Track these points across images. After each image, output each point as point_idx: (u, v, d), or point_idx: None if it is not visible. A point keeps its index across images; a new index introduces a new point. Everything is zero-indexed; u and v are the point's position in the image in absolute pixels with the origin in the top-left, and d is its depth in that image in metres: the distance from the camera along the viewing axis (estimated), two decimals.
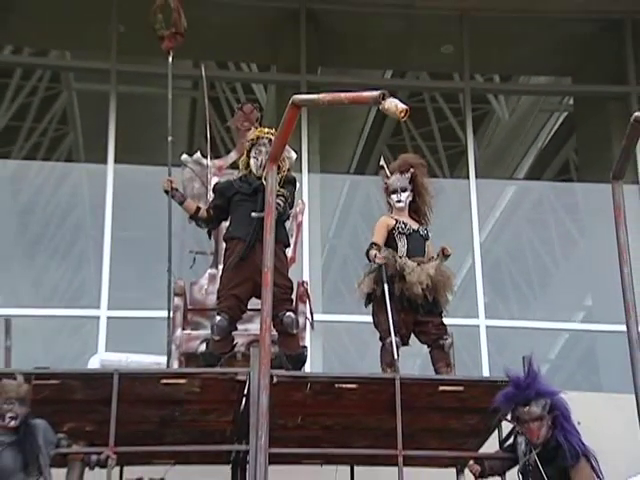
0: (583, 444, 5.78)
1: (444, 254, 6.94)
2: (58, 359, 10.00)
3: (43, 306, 10.83)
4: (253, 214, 6.44)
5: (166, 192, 7.18)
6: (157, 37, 7.49)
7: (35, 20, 11.30)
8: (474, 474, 6.35)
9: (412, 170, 7.07)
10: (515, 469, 6.13)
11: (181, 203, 7.17)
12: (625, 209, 6.32)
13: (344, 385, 6.45)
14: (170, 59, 7.56)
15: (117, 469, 6.65)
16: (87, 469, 6.18)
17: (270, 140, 6.70)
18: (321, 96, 6.01)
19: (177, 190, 7.21)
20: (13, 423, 5.68)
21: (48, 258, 12.34)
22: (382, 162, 7.23)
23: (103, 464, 6.04)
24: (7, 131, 13.71)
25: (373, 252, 6.77)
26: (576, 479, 5.62)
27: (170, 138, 7.46)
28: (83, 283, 11.43)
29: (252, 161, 6.99)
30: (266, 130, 7.04)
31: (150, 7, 7.50)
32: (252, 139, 7.07)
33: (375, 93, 5.31)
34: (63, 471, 6.09)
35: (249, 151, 7.04)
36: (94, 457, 6.06)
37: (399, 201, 7.03)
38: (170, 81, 7.58)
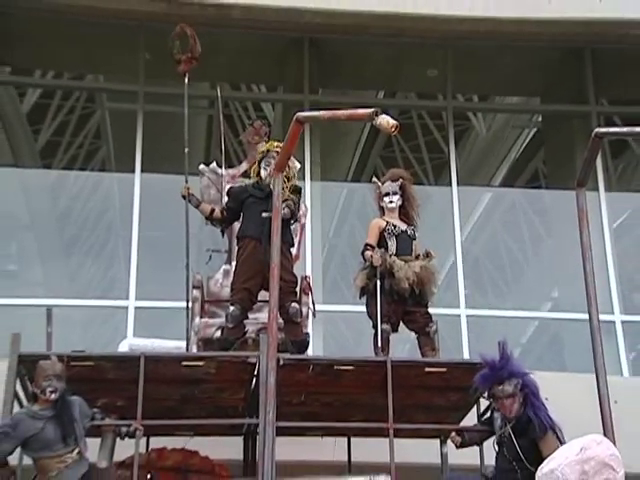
0: (550, 418, 5.77)
1: (429, 256, 6.96)
2: (92, 344, 9.96)
3: (79, 297, 10.82)
4: (264, 214, 6.43)
5: (183, 197, 7.19)
6: (175, 61, 7.48)
7: (73, 48, 11.29)
8: (455, 444, 6.35)
9: (401, 180, 7.14)
10: (491, 440, 6.14)
11: (197, 206, 7.18)
12: (587, 213, 6.33)
13: (342, 367, 6.46)
14: (186, 80, 7.55)
15: (144, 439, 6.65)
16: (118, 439, 6.22)
17: (278, 152, 6.70)
18: (322, 113, 6.03)
19: (193, 195, 7.23)
20: (53, 396, 5.68)
21: (83, 256, 12.34)
22: (374, 179, 7.29)
23: (132, 435, 6.07)
24: (48, 145, 13.73)
25: (368, 253, 6.79)
26: (544, 449, 5.61)
27: (186, 150, 7.46)
28: (114, 277, 11.42)
29: (262, 171, 7.00)
30: (275, 144, 7.05)
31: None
32: (262, 152, 7.08)
33: (369, 110, 5.31)
34: (97, 441, 6.12)
35: (260, 162, 7.05)
36: (124, 429, 6.09)
37: (391, 202, 7.07)
38: (186, 100, 7.56)
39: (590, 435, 2.91)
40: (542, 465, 2.85)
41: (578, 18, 10.48)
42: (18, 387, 6.28)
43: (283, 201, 6.23)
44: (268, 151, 7.00)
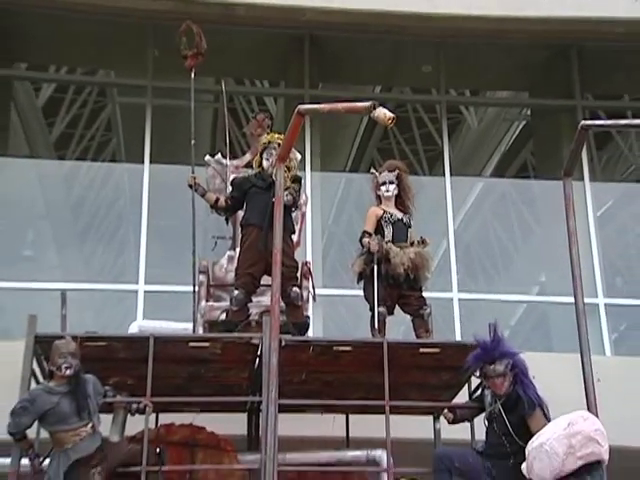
0: (538, 396, 5.78)
1: (423, 243, 6.95)
2: (104, 325, 10.01)
3: (92, 281, 10.83)
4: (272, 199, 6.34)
5: (190, 186, 7.17)
6: (182, 57, 7.45)
7: (85, 45, 11.27)
8: (447, 420, 6.36)
9: (397, 170, 7.11)
10: (482, 416, 6.14)
11: (203, 195, 7.16)
12: (573, 201, 6.32)
13: (341, 347, 6.44)
14: (192, 75, 7.52)
15: (153, 415, 6.66)
16: (129, 415, 6.23)
17: (279, 144, 6.68)
18: (322, 106, 6.01)
19: (199, 185, 7.21)
20: (68, 372, 5.71)
21: (96, 242, 12.34)
22: (372, 169, 7.27)
23: (142, 411, 6.08)
24: (62, 137, 13.73)
25: (366, 240, 6.77)
26: (532, 425, 5.61)
27: (193, 141, 7.43)
28: (124, 263, 11.43)
29: (265, 162, 6.98)
30: (276, 136, 7.03)
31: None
32: (264, 143, 7.06)
33: (367, 104, 5.29)
34: (109, 417, 6.14)
35: (262, 153, 7.03)
36: (134, 405, 6.11)
37: (387, 191, 7.04)
38: (192, 94, 7.52)
39: (577, 411, 2.92)
40: (532, 439, 2.86)
41: (565, 17, 10.46)
42: (35, 366, 6.30)
43: (285, 189, 6.21)
44: (270, 143, 6.98)
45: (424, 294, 6.89)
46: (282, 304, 6.35)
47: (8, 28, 10.81)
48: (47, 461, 5.87)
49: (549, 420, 5.65)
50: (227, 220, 7.49)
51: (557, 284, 10.71)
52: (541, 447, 2.80)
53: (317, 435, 7.32)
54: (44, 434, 5.96)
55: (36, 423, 5.84)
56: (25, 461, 5.94)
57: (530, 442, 2.85)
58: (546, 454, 2.76)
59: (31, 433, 5.94)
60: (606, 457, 2.81)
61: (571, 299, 6.25)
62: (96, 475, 5.71)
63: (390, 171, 7.09)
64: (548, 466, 2.76)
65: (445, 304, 10.10)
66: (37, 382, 6.27)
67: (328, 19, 10.42)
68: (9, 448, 5.97)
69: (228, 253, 7.71)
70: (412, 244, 6.90)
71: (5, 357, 7.17)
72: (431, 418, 7.09)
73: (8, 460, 6.00)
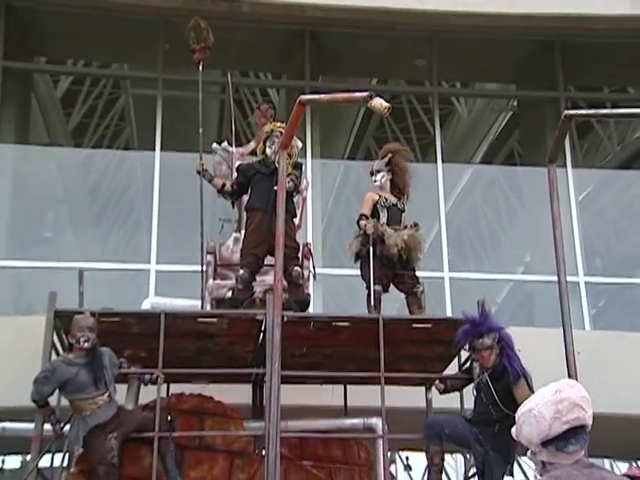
0: (522, 367, 5.79)
1: (416, 226, 6.94)
2: (119, 302, 10.00)
3: (107, 261, 10.83)
4: (275, 187, 6.33)
5: (198, 172, 7.13)
6: (190, 51, 7.42)
7: (100, 40, 11.22)
8: (439, 390, 6.38)
9: (390, 155, 7.05)
10: (470, 387, 6.15)
11: (210, 181, 7.13)
12: (557, 186, 6.31)
13: (339, 323, 6.45)
14: (200, 68, 7.48)
15: (164, 386, 6.67)
16: (142, 385, 6.25)
17: (281, 132, 6.64)
18: (322, 96, 5.97)
19: (207, 171, 7.17)
20: (86, 345, 5.74)
21: (110, 224, 12.34)
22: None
23: (154, 382, 6.10)
24: (79, 126, 13.70)
25: (363, 222, 6.75)
26: (517, 394, 5.64)
27: (201, 130, 7.39)
28: (137, 244, 11.41)
29: (268, 149, 6.95)
30: (278, 124, 6.98)
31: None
32: (267, 132, 7.02)
33: (364, 94, 5.25)
34: (124, 387, 6.17)
35: (265, 141, 6.99)
36: (147, 376, 6.13)
37: (375, 180, 7.02)
38: (200, 86, 7.48)
39: (564, 380, 2.92)
40: (522, 405, 2.87)
41: (549, 14, 10.41)
42: (55, 339, 6.33)
43: (287, 176, 6.19)
44: (272, 131, 6.93)
45: (417, 273, 6.89)
46: (284, 283, 6.35)
47: (29, 25, 10.79)
48: (67, 426, 5.93)
49: (533, 390, 5.67)
50: (233, 204, 7.47)
51: (541, 264, 10.72)
52: (530, 412, 2.80)
53: (317, 404, 7.34)
54: (64, 402, 6.00)
55: (57, 392, 5.90)
56: (47, 426, 6.00)
57: (520, 408, 2.85)
58: (534, 418, 2.76)
59: (52, 401, 5.98)
60: (590, 422, 2.82)
61: (554, 278, 6.25)
62: (112, 440, 5.73)
63: (382, 157, 7.04)
64: (536, 429, 2.76)
65: (437, 283, 10.10)
66: (57, 354, 6.30)
67: (327, 16, 10.37)
68: (33, 414, 6.01)
69: (234, 235, 7.70)
70: (405, 227, 6.90)
71: (28, 331, 7.20)
72: (423, 388, 7.09)
73: (32, 425, 6.05)
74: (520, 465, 6.21)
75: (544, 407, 2.69)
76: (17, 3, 10.38)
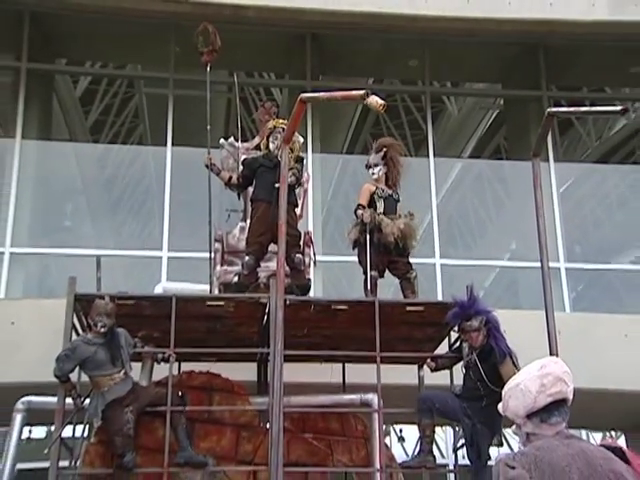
0: (508, 347, 5.80)
1: (411, 215, 6.91)
2: (133, 286, 9.99)
3: (122, 248, 10.83)
4: (276, 185, 6.31)
5: (206, 166, 7.10)
6: (199, 53, 7.39)
7: (116, 43, 11.19)
8: (430, 368, 6.38)
9: (385, 149, 7.00)
10: (460, 365, 6.15)
11: (218, 174, 7.10)
12: (540, 179, 6.29)
13: (338, 306, 6.45)
14: (208, 69, 7.45)
15: (176, 364, 6.67)
16: (155, 363, 6.25)
17: (283, 129, 6.62)
18: (321, 94, 5.94)
19: (214, 164, 7.14)
20: (103, 330, 5.79)
21: (125, 214, 12.31)
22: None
23: (166, 360, 6.11)
24: (97, 123, 13.67)
25: (360, 212, 6.72)
26: (503, 372, 5.65)
27: (209, 127, 7.35)
28: (151, 232, 11.38)
29: (271, 144, 6.92)
30: (280, 121, 6.95)
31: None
32: (270, 128, 6.98)
33: (361, 92, 5.23)
34: (138, 365, 6.17)
35: (268, 136, 6.96)
36: (160, 355, 6.15)
37: (373, 173, 6.97)
38: (208, 85, 7.44)
39: (548, 357, 2.93)
40: (509, 382, 2.88)
41: (533, 18, 10.36)
42: (75, 320, 6.33)
43: (289, 169, 6.17)
44: (275, 127, 6.90)
45: (411, 260, 6.87)
46: (287, 268, 6.34)
47: (50, 30, 10.77)
48: (87, 401, 5.96)
49: (518, 368, 5.67)
50: (239, 195, 7.45)
51: (525, 251, 10.71)
52: (517, 387, 2.81)
53: (317, 381, 7.33)
54: (84, 378, 6.01)
55: (77, 369, 5.91)
56: (69, 400, 6.03)
57: (507, 384, 2.86)
58: (521, 392, 2.76)
59: (73, 377, 6.01)
60: (570, 396, 2.83)
61: (537, 264, 6.24)
62: (128, 413, 5.77)
63: (377, 152, 6.99)
64: (522, 402, 2.76)
65: (428, 269, 10.09)
66: (77, 334, 6.30)
67: (327, 19, 10.31)
68: (56, 389, 6.04)
69: (240, 224, 7.67)
70: (400, 217, 6.87)
71: (50, 313, 7.20)
72: (416, 367, 7.09)
73: (55, 399, 6.07)
74: (505, 437, 6.23)
75: (530, 381, 2.70)
76: (40, 10, 10.33)
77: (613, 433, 11.86)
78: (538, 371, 2.75)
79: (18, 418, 6.89)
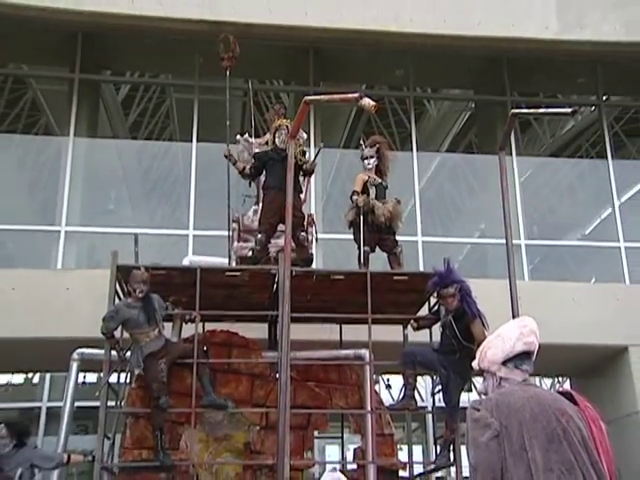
0: (478, 309, 5.77)
1: (398, 201, 6.86)
2: (165, 259, 9.94)
3: (156, 227, 10.83)
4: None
5: (226, 157, 7.06)
6: (220, 59, 7.28)
7: (150, 56, 11.14)
8: (413, 328, 6.36)
9: (377, 145, 6.97)
10: (438, 325, 6.12)
11: (234, 164, 7.06)
12: (506, 170, 6.23)
13: (336, 276, 6.43)
14: (227, 73, 7.34)
15: (200, 324, 6.65)
16: (183, 323, 6.23)
17: (287, 127, 6.61)
18: (322, 97, 5.90)
19: (232, 156, 7.10)
20: (140, 295, 5.81)
21: (158, 199, 12.29)
22: (361, 142, 7.12)
23: (192, 321, 6.11)
24: (135, 123, 13.58)
25: (355, 197, 6.68)
26: (474, 330, 5.64)
27: (228, 123, 7.29)
28: (180, 215, 11.31)
29: (277, 140, 6.88)
30: (284, 120, 6.95)
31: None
32: (276, 127, 6.95)
33: (356, 94, 5.18)
34: (169, 324, 6.16)
35: (274, 134, 6.93)
36: (187, 316, 6.14)
37: (368, 164, 6.92)
38: (227, 89, 7.36)
39: (525, 316, 2.96)
40: (489, 336, 2.89)
41: (498, 36, 10.29)
42: (117, 287, 6.33)
43: (310, 163, 6.11)
44: (279, 126, 6.89)
45: (397, 237, 6.83)
46: (293, 245, 6.30)
47: (98, 46, 10.74)
48: (128, 353, 5.98)
49: (486, 327, 5.66)
50: (250, 183, 7.41)
51: (492, 230, 10.66)
52: (497, 337, 2.81)
53: (319, 339, 7.31)
54: (126, 335, 6.01)
55: (120, 327, 5.91)
56: (113, 353, 6.04)
57: (487, 338, 2.87)
58: (501, 340, 2.77)
59: (117, 334, 6.02)
60: (536, 350, 2.85)
61: (502, 241, 6.20)
62: (162, 364, 5.79)
63: (371, 147, 6.95)
64: (501, 348, 2.76)
65: (412, 245, 10.06)
66: (119, 299, 6.29)
67: (327, 35, 10.23)
68: (103, 343, 6.04)
69: (253, 207, 7.62)
70: (388, 201, 6.82)
71: (97, 281, 7.17)
72: (401, 327, 7.09)
73: (102, 351, 6.09)
74: (474, 385, 6.25)
75: (510, 330, 2.73)
76: (90, 30, 10.30)
77: (561, 378, 11.93)
78: (517, 323, 2.79)
79: (74, 366, 6.94)
